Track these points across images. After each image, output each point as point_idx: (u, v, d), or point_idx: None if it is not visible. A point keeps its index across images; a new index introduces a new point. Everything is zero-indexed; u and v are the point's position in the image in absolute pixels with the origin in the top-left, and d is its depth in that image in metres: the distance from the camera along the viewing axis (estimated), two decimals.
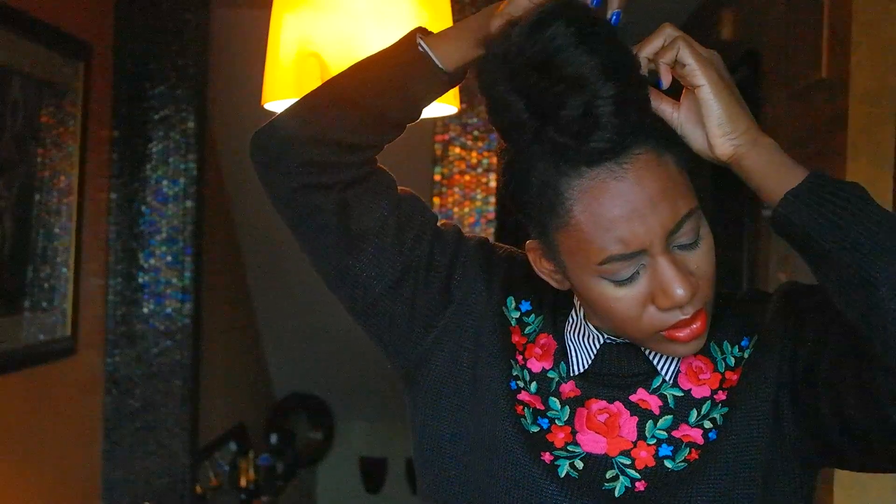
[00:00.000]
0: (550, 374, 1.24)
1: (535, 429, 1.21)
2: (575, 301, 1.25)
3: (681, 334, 1.13)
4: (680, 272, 1.10)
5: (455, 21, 1.69)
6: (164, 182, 3.36)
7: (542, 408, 1.22)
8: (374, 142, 1.22)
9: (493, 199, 3.26)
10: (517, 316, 1.27)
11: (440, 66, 1.19)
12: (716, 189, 4.16)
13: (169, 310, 3.37)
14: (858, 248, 1.03)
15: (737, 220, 3.80)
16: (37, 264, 2.81)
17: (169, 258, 3.37)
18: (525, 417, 1.22)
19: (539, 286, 1.27)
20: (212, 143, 4.14)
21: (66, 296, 2.98)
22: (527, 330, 1.27)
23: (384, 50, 1.24)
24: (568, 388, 1.22)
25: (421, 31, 1.21)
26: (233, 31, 3.82)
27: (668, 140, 1.11)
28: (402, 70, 1.20)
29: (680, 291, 1.10)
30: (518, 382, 1.24)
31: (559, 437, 1.20)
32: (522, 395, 1.23)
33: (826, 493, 2.57)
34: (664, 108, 1.12)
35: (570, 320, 1.25)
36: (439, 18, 1.61)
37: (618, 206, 1.09)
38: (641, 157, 1.09)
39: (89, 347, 3.21)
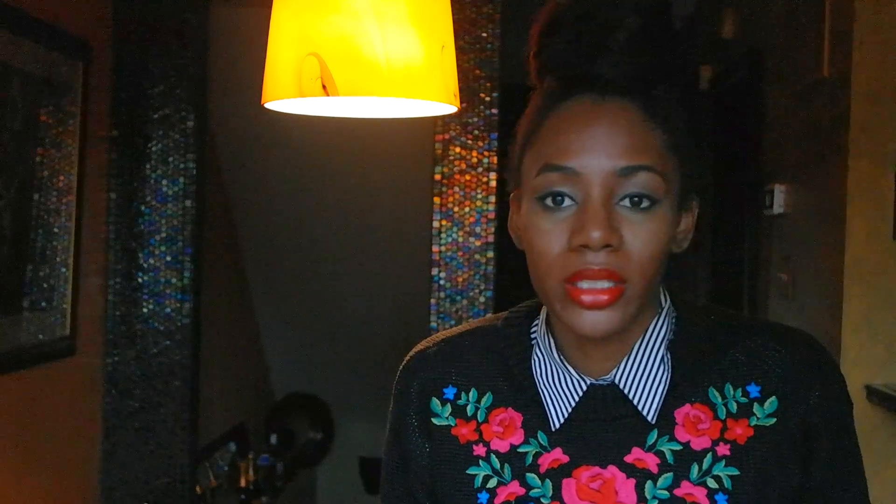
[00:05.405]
0: (522, 449, 1.13)
1: None
2: (539, 339, 1.16)
3: (584, 296, 1.03)
4: (606, 218, 1.03)
5: (455, 21, 1.67)
6: (164, 181, 3.35)
7: (523, 491, 1.12)
8: None
9: (493, 199, 3.25)
10: (449, 411, 1.18)
11: None
12: (717, 188, 4.16)
13: (168, 310, 3.36)
14: None
15: (738, 219, 3.80)
16: (36, 264, 2.80)
17: (168, 258, 3.36)
18: None
19: (463, 364, 1.19)
20: (212, 143, 4.13)
21: (66, 296, 2.97)
22: (469, 411, 1.17)
23: None
24: (550, 458, 1.12)
25: None
26: (233, 31, 3.82)
27: (666, 121, 1.06)
28: None
29: (595, 233, 1.02)
30: (489, 483, 1.14)
31: None
32: (499, 497, 1.13)
33: None
34: None
35: (538, 364, 1.15)
36: (439, 18, 1.60)
37: (579, 120, 1.05)
38: (630, 107, 1.05)
39: (88, 347, 3.20)
